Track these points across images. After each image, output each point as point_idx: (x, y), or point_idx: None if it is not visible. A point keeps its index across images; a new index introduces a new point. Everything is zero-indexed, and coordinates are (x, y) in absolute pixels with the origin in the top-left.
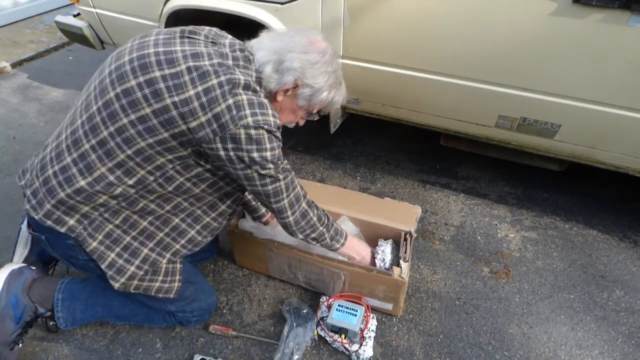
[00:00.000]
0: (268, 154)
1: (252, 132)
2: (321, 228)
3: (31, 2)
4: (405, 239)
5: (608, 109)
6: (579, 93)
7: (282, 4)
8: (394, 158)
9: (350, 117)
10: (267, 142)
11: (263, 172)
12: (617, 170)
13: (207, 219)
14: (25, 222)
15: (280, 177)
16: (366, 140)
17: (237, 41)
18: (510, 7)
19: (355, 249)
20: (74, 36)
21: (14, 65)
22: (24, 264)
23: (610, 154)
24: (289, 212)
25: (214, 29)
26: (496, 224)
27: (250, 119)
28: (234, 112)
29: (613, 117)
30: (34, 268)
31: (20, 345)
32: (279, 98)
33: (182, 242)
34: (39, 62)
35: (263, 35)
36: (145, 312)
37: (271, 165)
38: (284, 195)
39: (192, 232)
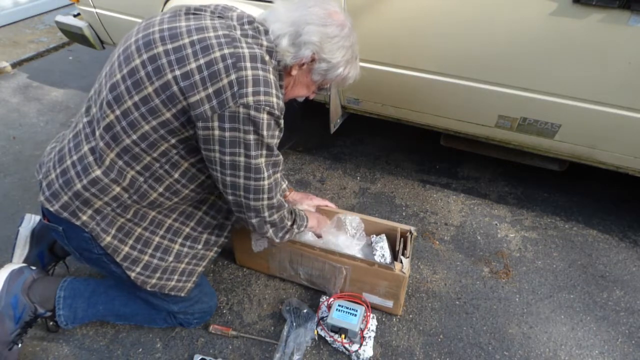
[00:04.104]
0: (265, 140)
1: (252, 112)
2: (290, 225)
3: (31, 2)
4: (405, 237)
5: (608, 109)
6: (579, 93)
7: None
8: (394, 158)
9: (350, 117)
10: (265, 128)
11: (254, 161)
12: (617, 170)
13: (212, 198)
14: (24, 223)
15: (266, 173)
16: (366, 140)
17: (246, 13)
18: (510, 7)
19: (313, 228)
20: (74, 36)
21: (14, 65)
22: (24, 264)
23: (610, 154)
24: (266, 214)
25: (222, 3)
26: (496, 224)
27: (251, 98)
28: (236, 88)
29: (613, 117)
30: (34, 268)
31: (20, 345)
32: (294, 72)
33: (192, 224)
34: (39, 62)
35: (278, 4)
36: (147, 313)
37: (264, 153)
38: (266, 195)
39: (200, 213)
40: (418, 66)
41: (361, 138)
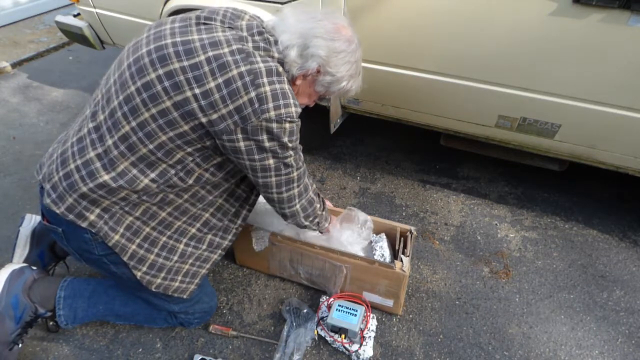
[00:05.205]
0: (289, 144)
1: (274, 125)
2: (321, 213)
3: (31, 2)
4: (405, 237)
5: (608, 109)
6: (579, 93)
7: (282, 4)
8: (394, 158)
9: (350, 117)
10: (288, 134)
11: (285, 161)
12: (617, 170)
13: (220, 201)
14: (25, 223)
15: (295, 165)
16: (366, 140)
17: (255, 22)
18: (510, 7)
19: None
20: (74, 36)
21: (14, 65)
22: (24, 264)
23: (610, 154)
24: (297, 200)
25: (230, 9)
26: (496, 224)
27: (272, 113)
28: (257, 105)
29: (613, 117)
30: (34, 268)
31: (20, 345)
32: (298, 82)
33: (198, 225)
34: (39, 62)
35: (287, 14)
36: (147, 313)
37: (291, 153)
38: (296, 184)
39: (207, 215)
40: (418, 66)
41: (361, 138)
